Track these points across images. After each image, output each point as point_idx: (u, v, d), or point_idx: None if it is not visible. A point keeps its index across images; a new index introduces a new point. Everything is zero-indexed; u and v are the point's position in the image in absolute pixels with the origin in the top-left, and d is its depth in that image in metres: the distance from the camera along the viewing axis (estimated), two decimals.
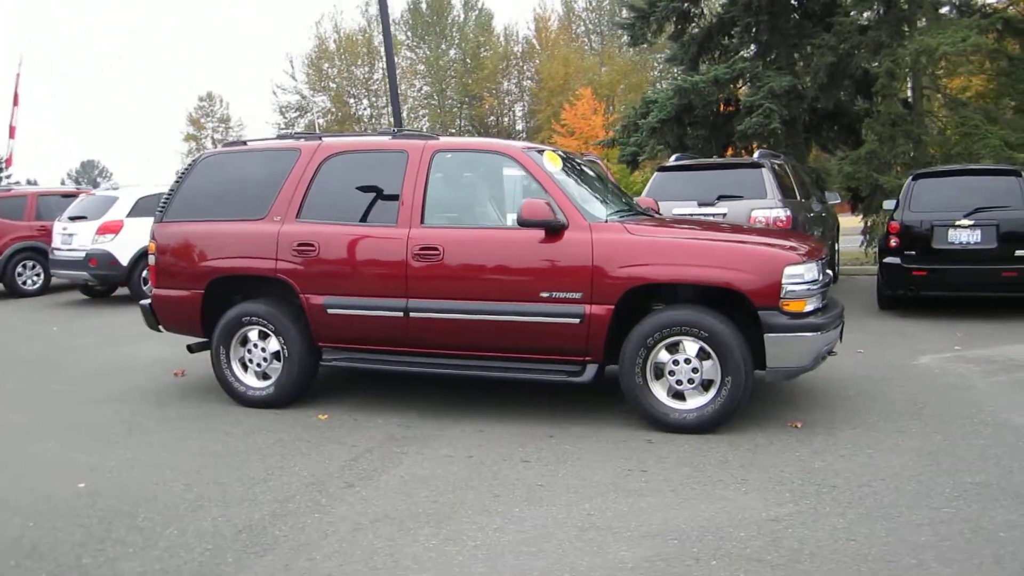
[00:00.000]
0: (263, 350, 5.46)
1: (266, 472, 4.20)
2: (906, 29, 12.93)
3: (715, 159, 11.86)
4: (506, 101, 54.08)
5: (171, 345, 6.99)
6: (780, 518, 3.43)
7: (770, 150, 10.64)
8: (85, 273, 11.69)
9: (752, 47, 15.54)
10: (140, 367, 7.01)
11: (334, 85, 51.21)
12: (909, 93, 14.44)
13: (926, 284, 8.42)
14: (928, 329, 7.89)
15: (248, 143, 6.03)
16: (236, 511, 3.68)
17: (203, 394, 5.91)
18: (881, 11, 13.38)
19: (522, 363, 4.98)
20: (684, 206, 8.50)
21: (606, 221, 4.94)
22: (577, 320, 4.72)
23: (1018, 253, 7.98)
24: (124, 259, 11.50)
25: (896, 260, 8.53)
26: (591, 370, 4.81)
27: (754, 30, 14.85)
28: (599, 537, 3.30)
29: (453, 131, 47.07)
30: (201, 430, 5.03)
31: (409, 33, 51.38)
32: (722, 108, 15.17)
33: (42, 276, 13.26)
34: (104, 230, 11.58)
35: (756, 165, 8.89)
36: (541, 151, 5.35)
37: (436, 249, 4.99)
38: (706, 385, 4.63)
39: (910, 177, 9.07)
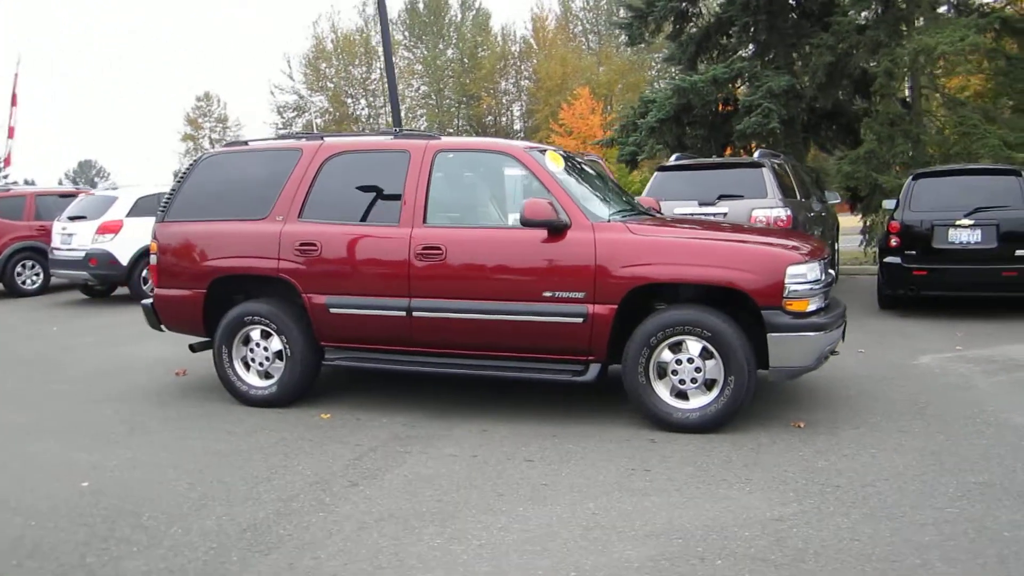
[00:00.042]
0: (265, 349, 5.46)
1: (269, 471, 4.20)
2: (904, 29, 12.95)
3: (715, 159, 11.88)
4: (504, 101, 54.10)
5: (172, 344, 6.99)
6: (784, 517, 3.43)
7: (769, 150, 10.65)
8: (85, 273, 11.68)
9: (750, 47, 15.56)
10: (141, 367, 7.00)
11: (332, 85, 51.19)
12: (907, 92, 14.47)
13: (926, 284, 8.44)
14: (928, 329, 7.91)
15: (250, 143, 6.03)
16: (240, 510, 3.67)
17: (205, 393, 5.91)
18: (879, 11, 13.40)
19: (525, 363, 4.98)
20: (685, 206, 8.51)
21: (608, 221, 4.94)
22: (580, 320, 4.73)
23: (1018, 253, 8.00)
24: (124, 259, 11.49)
25: (896, 260, 8.55)
26: (594, 370, 4.81)
27: (752, 30, 14.88)
28: (604, 536, 3.31)
29: (451, 131, 47.04)
30: (203, 429, 5.03)
31: (406, 33, 51.36)
32: (720, 108, 15.19)
33: (41, 276, 13.24)
34: (104, 230, 11.58)
35: (756, 165, 8.90)
36: (543, 151, 5.35)
37: (439, 249, 4.99)
38: (709, 385, 4.63)
39: (910, 177, 9.09)
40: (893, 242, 8.59)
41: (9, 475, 4.27)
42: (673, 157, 10.44)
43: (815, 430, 4.65)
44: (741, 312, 4.66)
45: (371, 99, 51.62)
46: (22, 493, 3.95)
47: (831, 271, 5.17)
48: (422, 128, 44.04)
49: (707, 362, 4.61)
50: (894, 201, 9.16)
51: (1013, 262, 8.01)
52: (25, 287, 13.17)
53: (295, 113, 50.83)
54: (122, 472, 4.25)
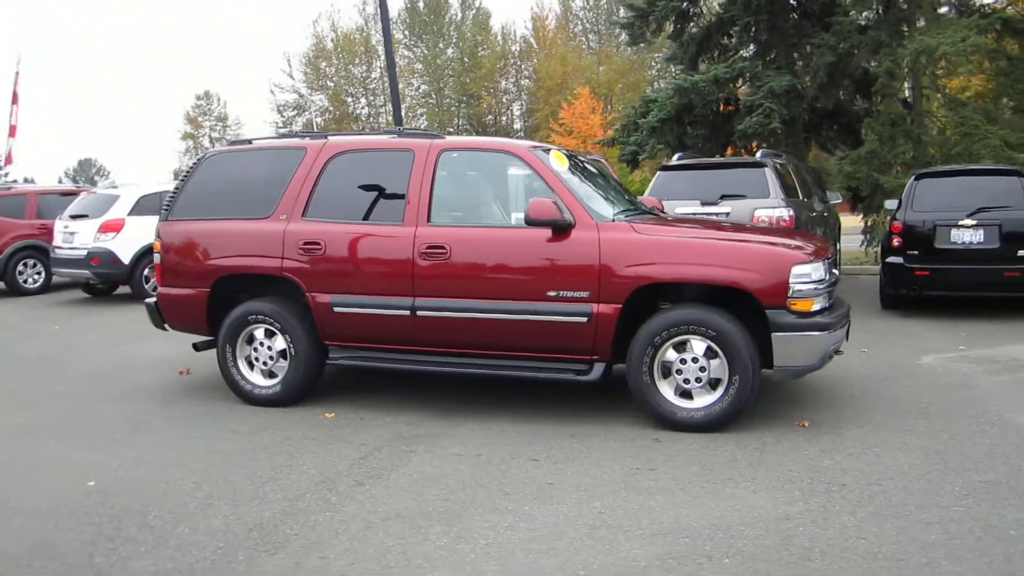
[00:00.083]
0: (269, 348, 5.46)
1: (275, 470, 4.20)
2: (905, 29, 12.95)
3: (718, 158, 11.87)
4: (504, 100, 54.09)
5: (175, 343, 6.98)
6: (790, 516, 3.44)
7: (771, 150, 10.65)
8: (87, 271, 11.67)
9: (751, 47, 15.55)
10: (144, 366, 7.00)
11: (332, 84, 51.16)
12: (908, 93, 14.49)
13: (929, 284, 8.44)
14: (931, 329, 7.91)
15: (253, 142, 6.03)
16: (246, 509, 3.67)
17: (208, 392, 5.91)
18: (880, 11, 13.41)
19: (529, 362, 4.99)
20: (687, 205, 8.51)
21: (613, 220, 4.95)
22: (585, 319, 4.73)
23: (1021, 253, 8.01)
24: (126, 257, 11.48)
25: (899, 260, 8.55)
26: (598, 369, 4.81)
27: (753, 29, 14.86)
28: (610, 535, 3.31)
29: (451, 130, 47.02)
30: (207, 428, 5.03)
31: (407, 32, 51.31)
32: (722, 107, 15.18)
33: (43, 275, 13.22)
34: (106, 228, 11.56)
35: (759, 164, 8.91)
36: (548, 150, 5.35)
37: (443, 248, 4.99)
38: (713, 384, 4.64)
39: (912, 177, 9.09)
40: (895, 242, 8.60)
41: (14, 475, 4.27)
42: (676, 157, 10.45)
43: (819, 429, 4.66)
44: (745, 311, 4.66)
45: (371, 98, 51.61)
46: (26, 493, 3.95)
47: (835, 271, 5.18)
48: (422, 127, 44.02)
49: (711, 361, 4.61)
50: (896, 201, 9.17)
51: (1015, 262, 8.02)
52: (27, 286, 13.15)
53: (295, 112, 50.85)
54: (127, 471, 4.25)
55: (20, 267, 13.12)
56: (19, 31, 75.09)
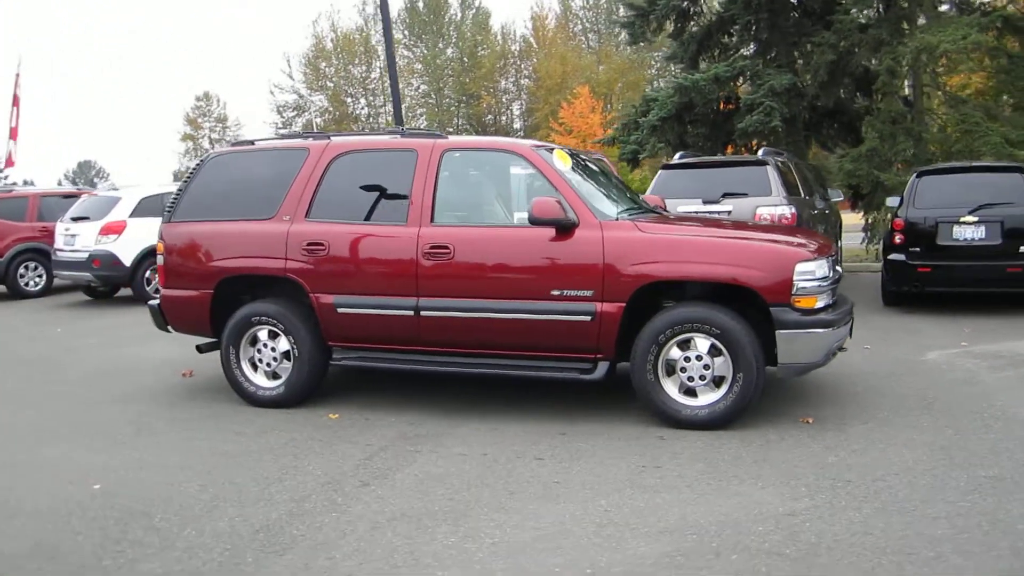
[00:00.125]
0: (273, 350, 5.46)
1: (280, 472, 4.20)
2: (906, 27, 12.95)
3: (720, 156, 11.87)
4: (504, 100, 54.12)
5: (178, 345, 6.99)
6: (797, 512, 3.44)
7: (772, 148, 10.66)
8: (88, 274, 11.66)
9: (752, 45, 15.56)
10: (147, 368, 7.00)
11: (331, 84, 51.18)
12: (909, 91, 14.47)
13: (931, 280, 8.45)
14: (933, 325, 7.91)
15: (256, 143, 6.03)
16: (252, 511, 3.68)
17: (212, 394, 5.91)
18: (881, 9, 13.42)
19: (534, 361, 4.99)
20: (689, 204, 8.51)
21: (616, 219, 4.95)
22: (588, 318, 4.73)
23: (1022, 249, 8.01)
24: (127, 260, 11.47)
25: (901, 257, 8.56)
26: (603, 367, 4.81)
27: (754, 28, 14.88)
28: (617, 533, 3.31)
29: (451, 130, 47.01)
30: (211, 430, 5.03)
31: (406, 32, 51.33)
32: (722, 106, 15.20)
33: (44, 277, 13.22)
34: (107, 230, 11.56)
35: (760, 162, 8.92)
36: (551, 149, 5.35)
37: (446, 248, 4.99)
38: (717, 381, 4.64)
39: (914, 174, 9.11)
40: (897, 239, 8.61)
41: (20, 477, 4.27)
42: (677, 155, 10.45)
43: (824, 426, 4.66)
44: (749, 309, 4.66)
45: (371, 98, 51.63)
46: (34, 495, 3.95)
47: (838, 268, 5.18)
48: (422, 127, 44.03)
49: (716, 359, 4.61)
50: (898, 198, 9.17)
51: (1017, 258, 8.03)
52: (28, 289, 13.16)
53: (295, 112, 50.88)
54: (132, 474, 4.25)
55: (21, 270, 13.13)
56: (19, 31, 75.16)
